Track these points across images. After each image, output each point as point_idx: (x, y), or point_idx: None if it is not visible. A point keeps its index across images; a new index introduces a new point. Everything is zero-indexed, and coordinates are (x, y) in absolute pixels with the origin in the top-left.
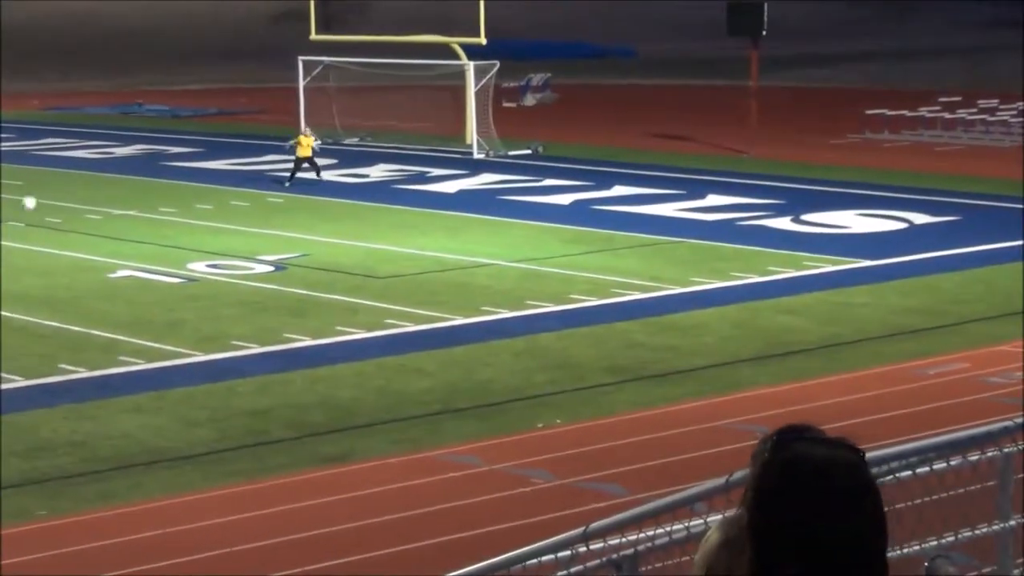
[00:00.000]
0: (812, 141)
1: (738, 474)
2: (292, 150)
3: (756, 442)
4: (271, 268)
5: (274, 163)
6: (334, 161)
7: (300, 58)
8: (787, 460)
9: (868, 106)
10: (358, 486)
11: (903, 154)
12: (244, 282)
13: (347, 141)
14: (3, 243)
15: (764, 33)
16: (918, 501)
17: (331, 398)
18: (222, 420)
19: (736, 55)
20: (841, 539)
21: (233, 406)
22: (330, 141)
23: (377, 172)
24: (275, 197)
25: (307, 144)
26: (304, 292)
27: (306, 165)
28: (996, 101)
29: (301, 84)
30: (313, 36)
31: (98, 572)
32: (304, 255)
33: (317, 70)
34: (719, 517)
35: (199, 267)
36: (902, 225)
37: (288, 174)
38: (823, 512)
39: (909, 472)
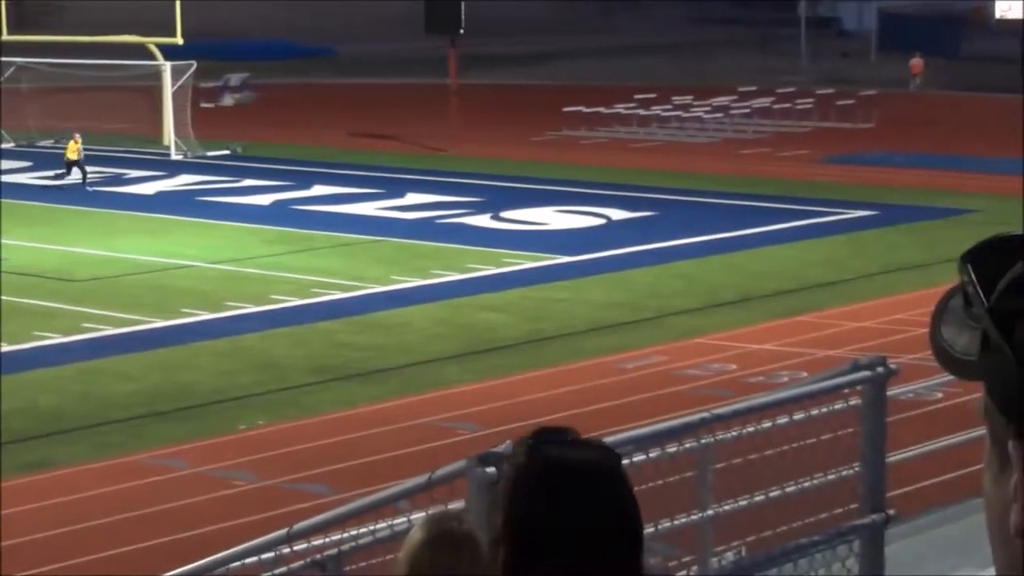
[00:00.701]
0: (512, 139)
1: (440, 471)
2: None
3: (458, 438)
4: None
5: None
6: (29, 164)
7: None
8: (540, 462)
9: (567, 104)
10: (61, 492)
11: (600, 151)
12: None
13: (42, 143)
14: None
15: (462, 31)
16: None
17: (31, 404)
18: None
19: (437, 53)
20: (595, 539)
21: None
22: (24, 143)
23: (74, 174)
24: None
25: (74, 148)
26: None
27: (75, 169)
28: (690, 98)
29: None
30: (4, 36)
31: None
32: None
33: (9, 71)
34: (423, 515)
35: None
36: (600, 221)
37: (53, 175)
38: (577, 513)
39: None
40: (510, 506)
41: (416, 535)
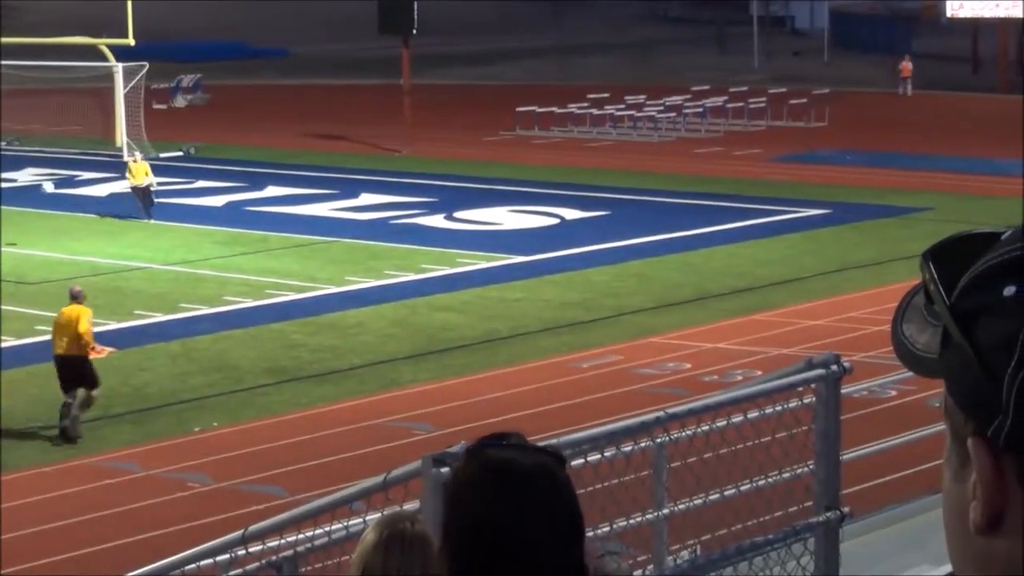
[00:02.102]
0: (466, 139)
1: (395, 472)
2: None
3: (414, 439)
4: None
5: None
6: None
7: None
8: (481, 465)
9: (521, 103)
10: (14, 496)
11: (554, 150)
12: None
13: None
14: None
15: (415, 31)
16: (578, 492)
17: None
18: None
19: (390, 53)
20: (536, 540)
21: None
22: None
23: (26, 176)
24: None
25: (140, 172)
26: None
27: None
28: (643, 97)
29: None
30: None
31: None
32: None
33: None
34: (377, 516)
35: None
36: (554, 221)
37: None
38: (517, 515)
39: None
40: (450, 509)
41: (369, 536)
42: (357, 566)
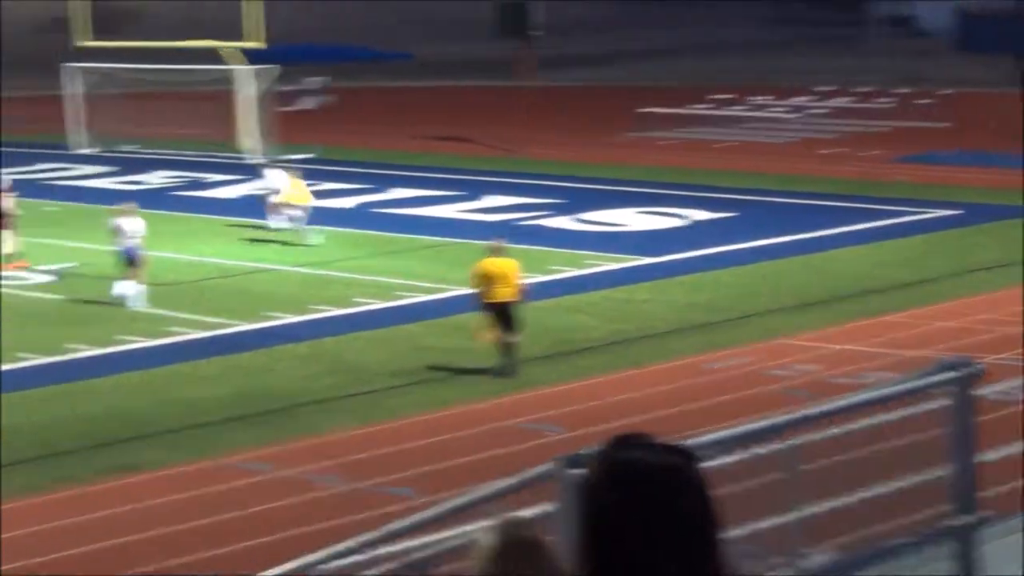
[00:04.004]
0: (589, 140)
1: (527, 474)
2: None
3: (545, 440)
4: (50, 278)
5: (47, 172)
6: (112, 168)
7: (66, 65)
8: (608, 466)
9: (641, 104)
10: (146, 496)
11: (678, 151)
12: (21, 292)
13: (123, 148)
14: None
15: (535, 33)
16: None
17: (117, 408)
18: (6, 433)
19: (510, 55)
20: (665, 539)
21: (16, 419)
22: (106, 149)
23: (155, 179)
24: (50, 206)
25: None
26: (83, 301)
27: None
28: (771, 97)
29: (69, 92)
30: (83, 43)
31: None
32: (82, 264)
33: (90, 77)
34: (494, 520)
35: None
36: (681, 222)
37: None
38: (644, 515)
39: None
40: (582, 510)
41: (485, 541)
42: (475, 569)
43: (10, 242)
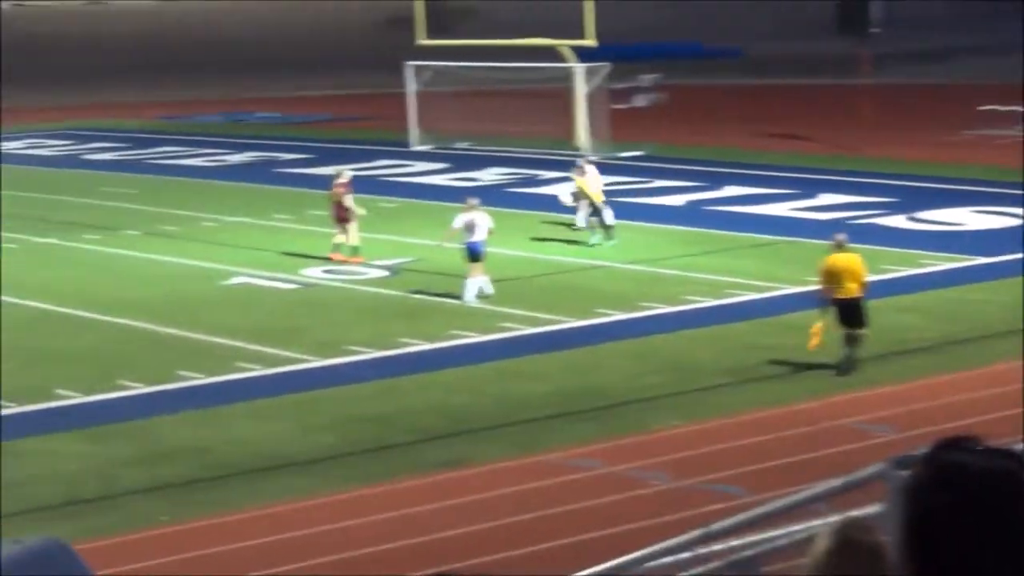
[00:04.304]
0: (925, 138)
1: (857, 474)
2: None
3: (875, 441)
4: (385, 273)
5: (386, 168)
6: (446, 165)
7: (408, 63)
8: (935, 469)
9: (980, 102)
10: (475, 490)
11: (1018, 150)
12: (358, 287)
13: (457, 145)
14: (122, 251)
15: (873, 30)
16: None
17: (447, 402)
18: (339, 425)
19: (847, 53)
20: (1002, 548)
21: (350, 411)
22: (442, 145)
23: (488, 176)
24: (387, 202)
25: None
26: (417, 296)
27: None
28: None
29: (410, 89)
30: (421, 41)
31: None
32: (417, 259)
33: (427, 75)
34: (833, 520)
35: (314, 272)
36: (1019, 222)
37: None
38: (970, 520)
39: None
40: (907, 512)
41: (821, 544)
42: (810, 572)
43: (354, 236)
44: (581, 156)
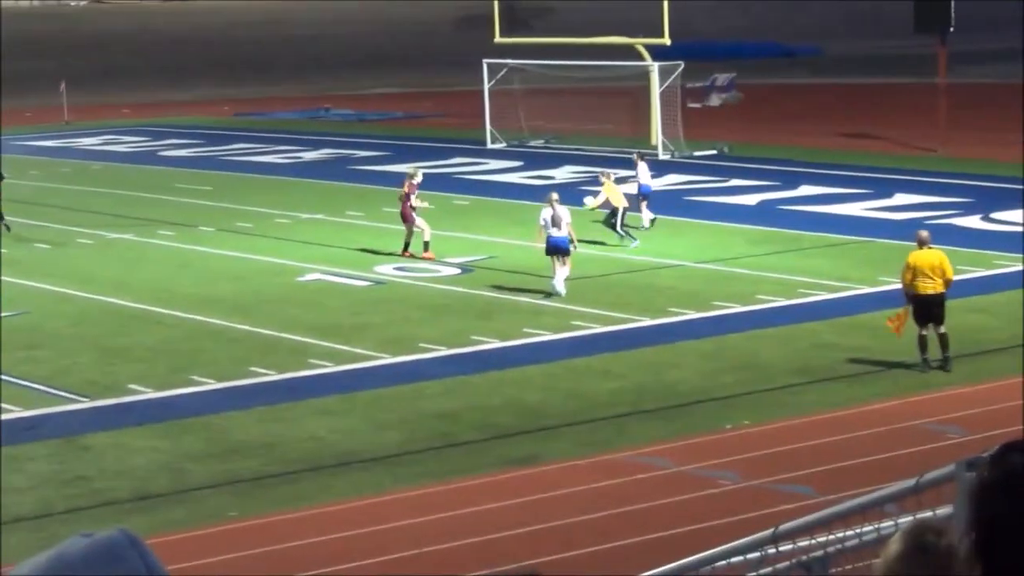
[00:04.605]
0: (1001, 138)
1: (929, 475)
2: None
3: (947, 442)
4: (457, 270)
5: (460, 166)
6: (520, 163)
7: (485, 61)
8: (1003, 471)
9: None
10: (546, 488)
11: None
12: (430, 284)
13: (532, 143)
14: (197, 248)
15: (952, 29)
16: None
17: (518, 400)
18: (410, 422)
19: (925, 51)
20: None
21: (421, 408)
22: (515, 143)
23: (563, 174)
24: (461, 200)
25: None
26: (490, 294)
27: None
28: None
29: (486, 87)
30: (497, 39)
31: (286, 573)
32: (490, 257)
33: (502, 73)
34: (907, 520)
35: (386, 270)
36: None
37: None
38: None
39: None
40: (973, 514)
41: (893, 547)
42: (881, 574)
43: (426, 231)
44: (634, 152)
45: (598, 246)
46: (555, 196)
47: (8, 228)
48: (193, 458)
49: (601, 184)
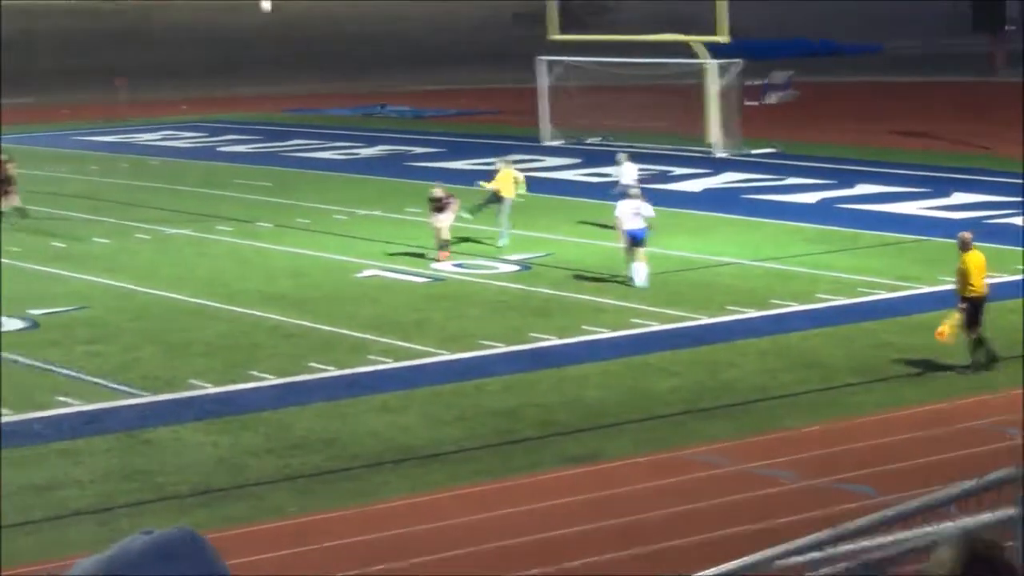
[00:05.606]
0: None
1: (988, 477)
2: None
3: (1008, 444)
4: (516, 268)
5: (517, 163)
6: (577, 160)
7: (540, 58)
8: None
9: None
10: (605, 486)
11: None
12: (489, 281)
13: (589, 141)
14: (255, 244)
15: (1009, 28)
16: None
17: (577, 398)
18: (469, 419)
19: (983, 50)
20: None
21: (480, 405)
22: (572, 141)
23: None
24: (518, 197)
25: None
26: (549, 291)
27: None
28: None
29: (542, 84)
30: (553, 36)
31: (344, 570)
32: (548, 254)
33: (558, 70)
34: (961, 523)
35: (444, 266)
36: None
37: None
38: None
39: None
40: None
41: (944, 553)
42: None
43: (445, 230)
44: (622, 149)
45: (659, 244)
46: (634, 190)
47: (24, 215)
48: (253, 453)
49: (498, 169)
